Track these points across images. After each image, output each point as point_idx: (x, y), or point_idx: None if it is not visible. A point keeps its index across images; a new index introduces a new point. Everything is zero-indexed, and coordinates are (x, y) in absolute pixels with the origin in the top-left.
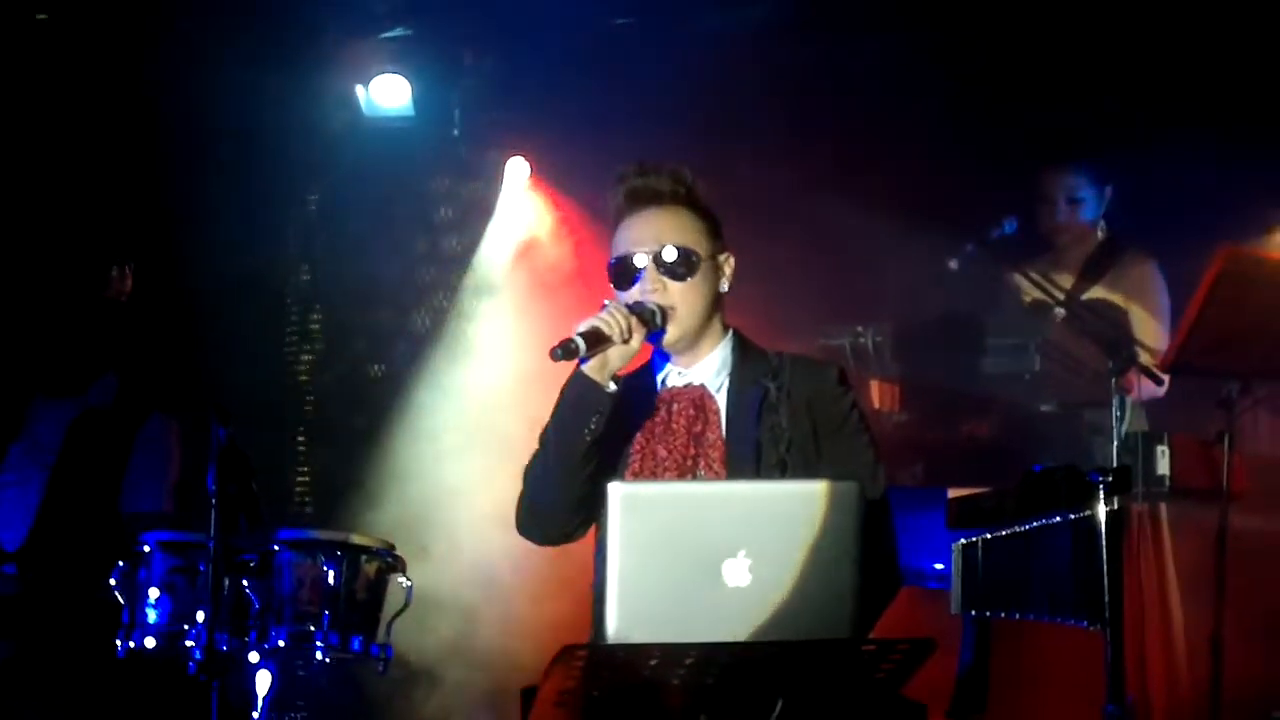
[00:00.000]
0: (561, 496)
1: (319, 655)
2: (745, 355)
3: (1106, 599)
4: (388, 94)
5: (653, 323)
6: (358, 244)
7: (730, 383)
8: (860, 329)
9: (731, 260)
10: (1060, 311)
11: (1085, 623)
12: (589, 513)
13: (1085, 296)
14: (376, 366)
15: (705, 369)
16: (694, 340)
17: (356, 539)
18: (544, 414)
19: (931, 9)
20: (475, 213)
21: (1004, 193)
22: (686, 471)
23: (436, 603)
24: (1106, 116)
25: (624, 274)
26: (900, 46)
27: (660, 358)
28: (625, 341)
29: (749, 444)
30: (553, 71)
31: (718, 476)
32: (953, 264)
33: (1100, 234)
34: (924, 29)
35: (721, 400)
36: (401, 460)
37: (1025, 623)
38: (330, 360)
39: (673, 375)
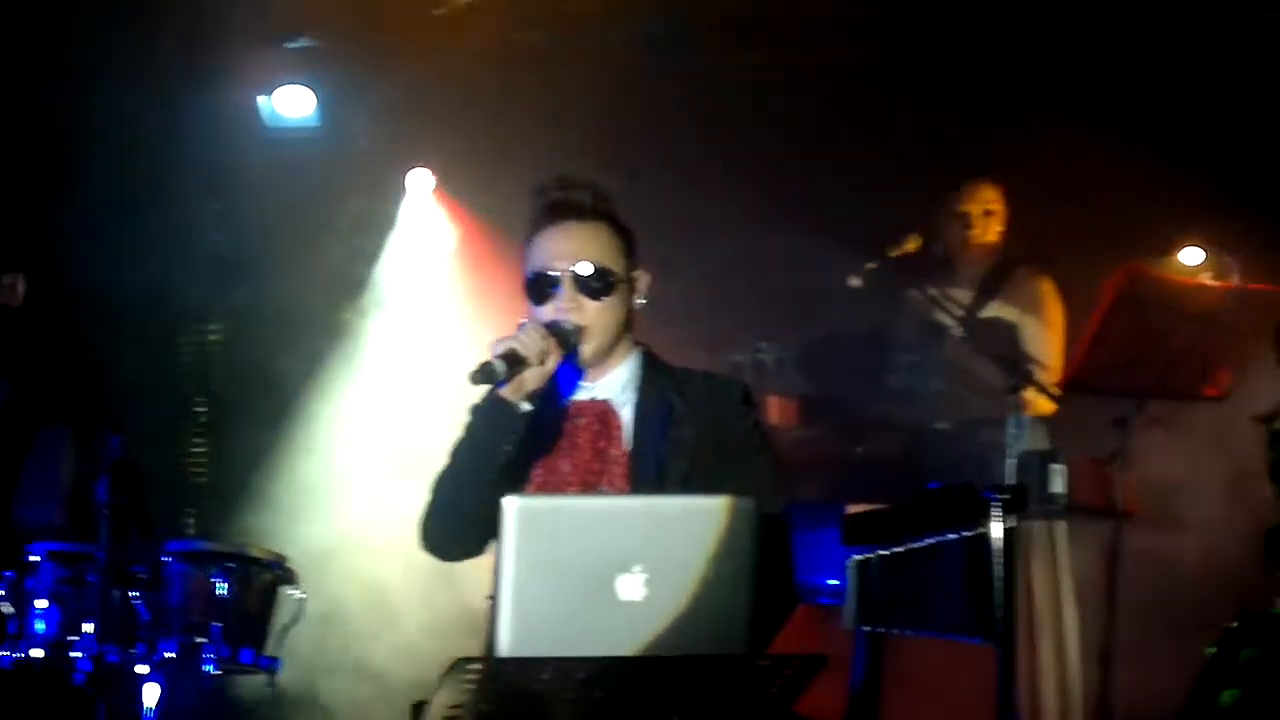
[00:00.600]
0: (471, 514)
1: (208, 668)
2: (652, 371)
3: (999, 616)
4: (292, 104)
5: (569, 343)
6: (258, 255)
7: (636, 398)
8: (761, 345)
9: (646, 277)
10: (958, 330)
11: (979, 639)
12: (495, 528)
13: (982, 314)
14: (273, 379)
15: (611, 384)
16: (604, 356)
17: (248, 551)
18: (443, 430)
19: (831, 26)
20: (378, 224)
21: (904, 211)
22: (589, 486)
23: (326, 617)
24: (1007, 136)
25: (541, 289)
26: (802, 63)
27: (567, 371)
28: (542, 363)
29: (652, 460)
30: (459, 84)
31: (621, 491)
32: (854, 281)
33: (998, 249)
34: (825, 47)
35: (626, 415)
36: (297, 475)
37: (919, 639)
38: (226, 372)
39: (578, 389)
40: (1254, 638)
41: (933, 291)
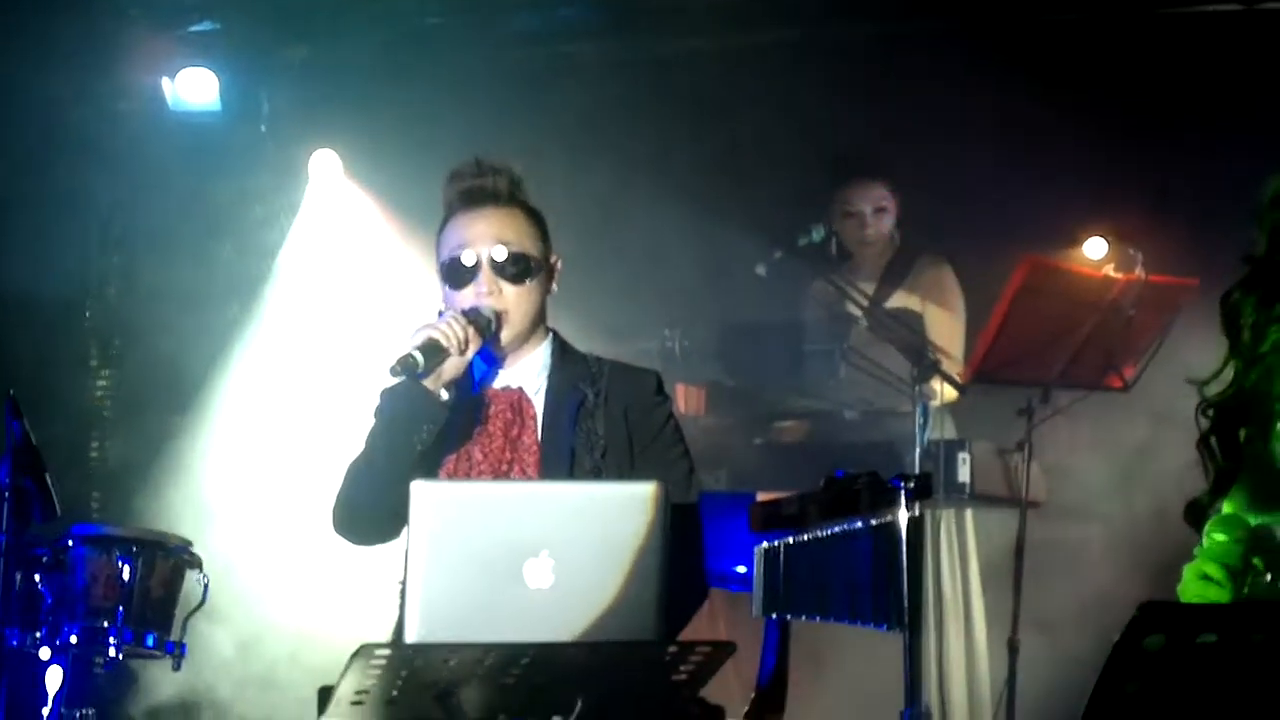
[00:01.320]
0: (383, 501)
1: (112, 652)
2: (565, 358)
3: (906, 603)
4: (194, 89)
5: (488, 330)
6: (159, 241)
7: (548, 386)
8: (667, 332)
9: (559, 263)
10: (863, 319)
11: (885, 626)
12: (407, 515)
13: (887, 304)
14: (176, 363)
15: (525, 371)
16: (521, 343)
17: (152, 535)
18: (351, 413)
19: (736, 12)
20: (282, 210)
21: (811, 200)
22: (501, 475)
23: (231, 601)
24: (904, 128)
25: (458, 274)
26: (709, 51)
27: (481, 358)
28: (462, 352)
29: (564, 449)
30: (364, 68)
31: (530, 478)
32: (760, 270)
33: (895, 240)
34: (733, 33)
35: (539, 404)
36: (199, 458)
37: (827, 626)
38: (128, 356)
39: (491, 376)
40: (1158, 625)
41: (838, 281)
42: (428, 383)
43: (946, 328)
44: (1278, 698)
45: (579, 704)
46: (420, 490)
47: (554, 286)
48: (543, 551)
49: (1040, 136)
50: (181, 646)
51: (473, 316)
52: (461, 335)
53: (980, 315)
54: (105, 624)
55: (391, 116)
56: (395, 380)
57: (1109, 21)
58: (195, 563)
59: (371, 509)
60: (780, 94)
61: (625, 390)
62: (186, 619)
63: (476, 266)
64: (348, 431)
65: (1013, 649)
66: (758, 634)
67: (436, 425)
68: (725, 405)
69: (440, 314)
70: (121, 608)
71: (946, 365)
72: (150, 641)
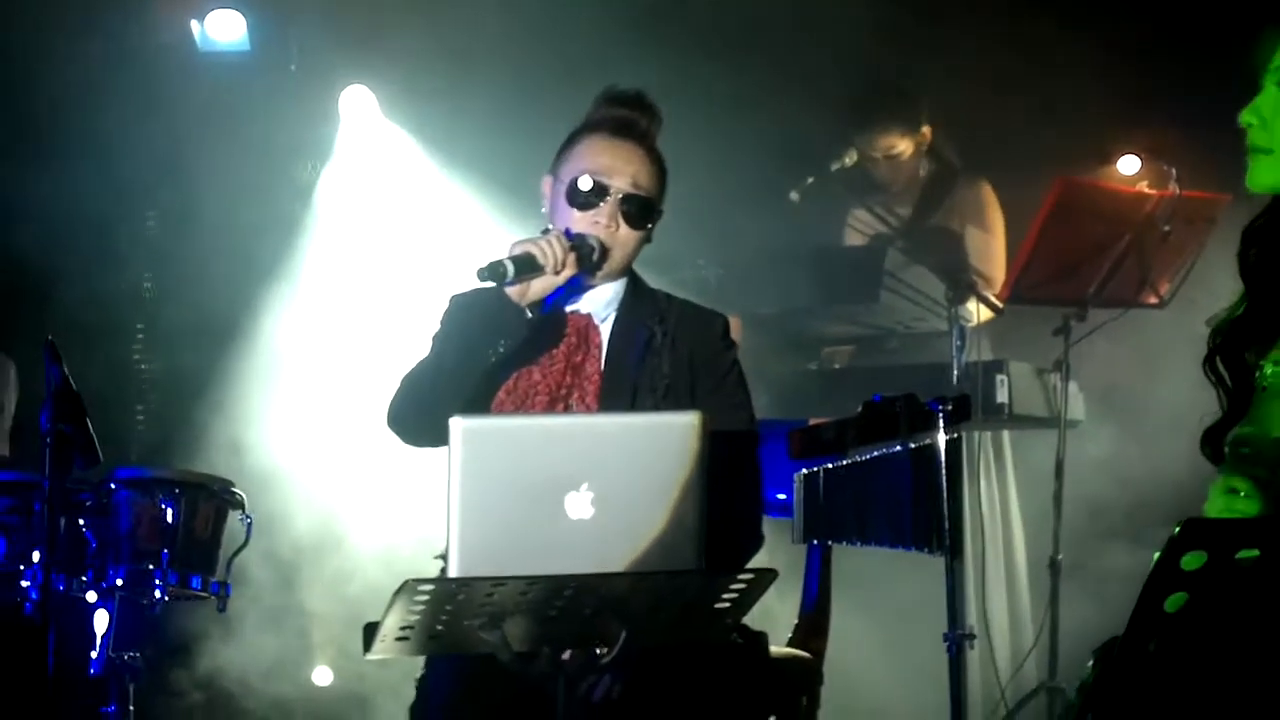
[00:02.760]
0: (445, 405)
1: (158, 594)
2: (637, 295)
3: (946, 526)
4: (222, 29)
5: (589, 260)
6: (194, 183)
7: (617, 318)
8: (702, 261)
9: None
10: (899, 242)
11: (926, 550)
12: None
13: (928, 224)
14: (216, 307)
15: (596, 299)
16: (606, 280)
17: (195, 476)
18: (386, 352)
19: None
20: (316, 147)
21: (844, 128)
22: (558, 400)
23: (273, 541)
24: (937, 55)
25: (586, 197)
26: None
27: (570, 284)
28: (557, 273)
29: (626, 384)
30: (392, 3)
31: (589, 410)
32: (794, 196)
33: (923, 170)
34: None
35: (605, 333)
36: (241, 403)
37: (868, 550)
38: (168, 300)
39: (563, 299)
40: (1198, 542)
41: (875, 206)
42: (513, 295)
43: (987, 250)
44: None
45: (622, 634)
46: (459, 426)
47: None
48: (583, 484)
49: (1070, 56)
50: (226, 587)
51: (577, 242)
52: (560, 256)
53: (1017, 238)
54: (150, 566)
55: (423, 52)
56: (470, 290)
57: None
58: (238, 503)
59: (432, 411)
60: (812, 22)
61: (693, 332)
62: (231, 560)
63: (605, 196)
64: (389, 371)
65: (1055, 568)
66: (800, 560)
67: (515, 340)
68: (761, 333)
69: (545, 232)
70: (166, 550)
71: (984, 287)
72: (196, 583)
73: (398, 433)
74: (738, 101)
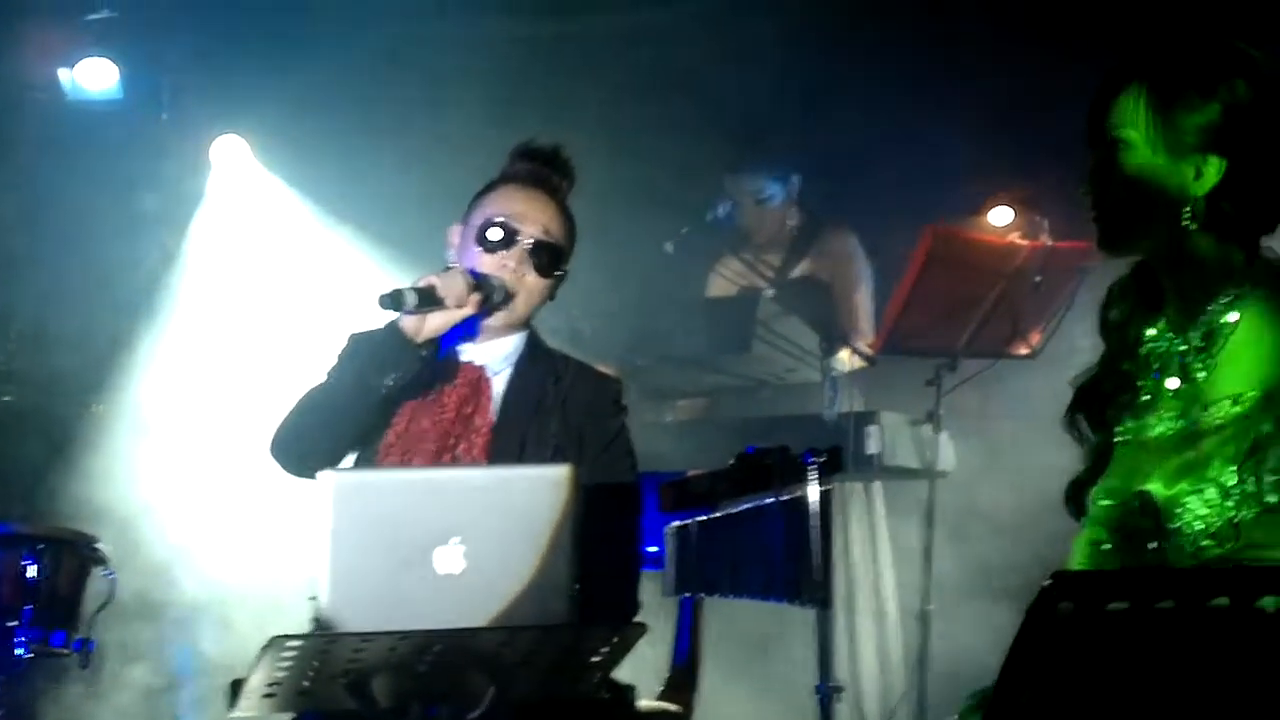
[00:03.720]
0: (332, 437)
1: (19, 651)
2: (535, 352)
3: (818, 578)
4: (94, 77)
5: (491, 300)
6: (60, 233)
7: (513, 374)
8: (575, 312)
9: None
10: (770, 292)
11: (797, 602)
12: (345, 456)
13: (793, 274)
14: (78, 358)
15: (493, 352)
16: (506, 330)
17: (58, 532)
18: (257, 401)
19: None
20: (186, 198)
21: (717, 176)
22: (446, 450)
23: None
24: (806, 102)
25: (493, 241)
26: (616, 28)
27: (457, 327)
28: (458, 308)
29: (515, 439)
30: (264, 53)
31: (476, 461)
32: (668, 247)
33: (796, 216)
34: (644, 10)
35: (498, 388)
36: (102, 456)
37: (740, 603)
38: (28, 351)
39: (458, 348)
40: (1068, 594)
41: (745, 255)
42: (408, 330)
43: (854, 297)
44: (1185, 663)
45: (491, 689)
46: (330, 480)
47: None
48: (453, 538)
49: (942, 106)
50: (89, 644)
51: (481, 281)
52: (463, 292)
53: (888, 287)
54: (12, 623)
55: (294, 101)
56: (369, 330)
57: None
58: (101, 559)
59: (317, 441)
60: (681, 70)
61: (586, 395)
62: (94, 616)
63: (514, 241)
64: (253, 418)
65: (924, 620)
66: (671, 614)
67: (406, 375)
68: (635, 385)
69: (448, 269)
70: (28, 606)
71: (855, 337)
72: (57, 641)
73: (280, 461)
74: (613, 152)
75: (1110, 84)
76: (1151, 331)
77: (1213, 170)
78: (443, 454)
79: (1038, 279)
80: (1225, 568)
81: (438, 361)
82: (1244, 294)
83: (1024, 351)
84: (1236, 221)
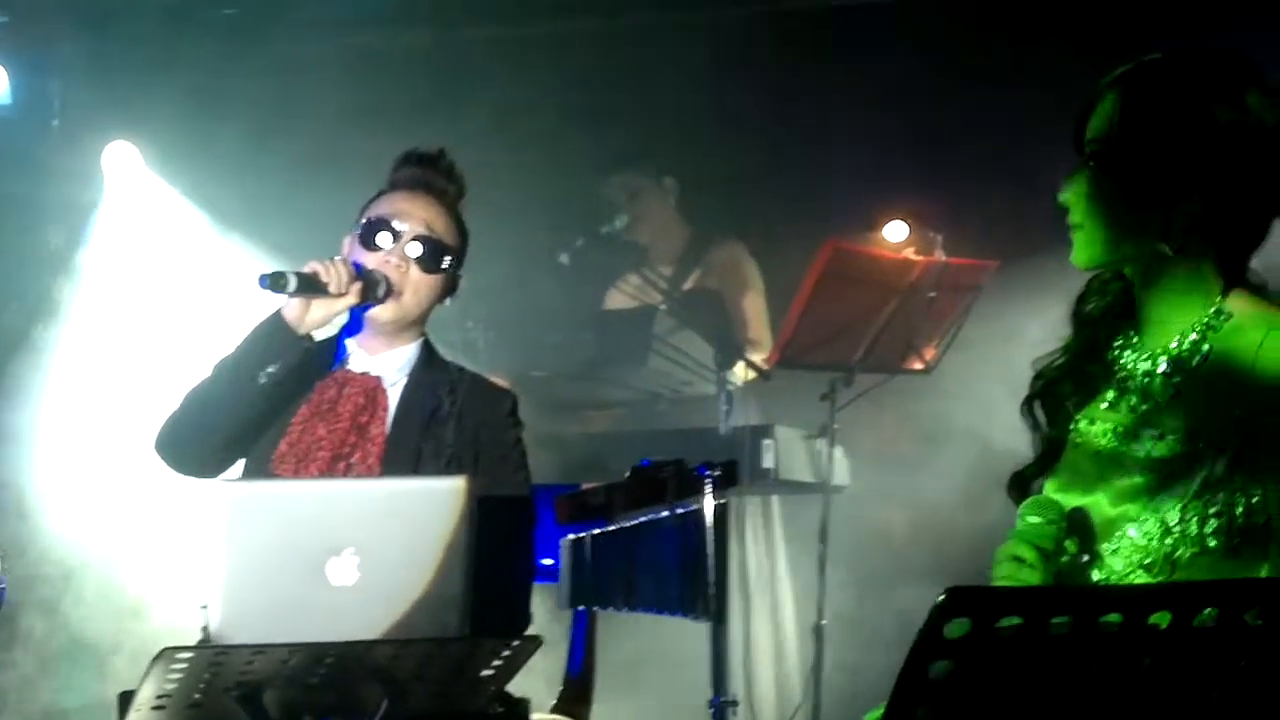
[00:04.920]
0: (216, 429)
1: None
2: (430, 362)
3: (712, 592)
4: None
5: (374, 293)
6: None
7: (407, 384)
8: (470, 324)
9: (461, 282)
10: (664, 305)
11: (692, 616)
12: (233, 457)
13: (685, 286)
14: None
15: (388, 363)
16: (397, 333)
17: None
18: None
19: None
20: (78, 206)
21: (595, 173)
22: (342, 458)
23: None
24: (699, 116)
25: (374, 237)
26: (511, 40)
27: (347, 335)
28: (339, 295)
29: (410, 450)
30: (158, 59)
31: (370, 471)
32: (563, 258)
33: (684, 229)
34: (538, 22)
35: (393, 398)
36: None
37: (635, 616)
38: None
39: (354, 358)
40: (962, 610)
41: (643, 270)
42: (290, 320)
43: (746, 307)
44: (1077, 681)
45: (384, 702)
46: (224, 491)
47: (448, 300)
48: (346, 549)
49: (836, 121)
50: None
51: (363, 273)
52: (344, 278)
53: (783, 301)
54: None
55: (188, 106)
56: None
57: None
58: None
59: (198, 435)
60: (572, 83)
61: (480, 407)
62: None
63: (396, 238)
64: (144, 439)
65: (819, 633)
66: (565, 624)
67: (286, 365)
68: (531, 397)
69: (332, 259)
70: None
71: (750, 349)
72: None
73: (164, 457)
74: (510, 164)
75: (1094, 94)
76: (1120, 341)
77: (1191, 190)
78: (337, 463)
79: (932, 294)
80: (1120, 585)
81: (333, 371)
82: (1217, 324)
83: (918, 367)
84: (1213, 244)
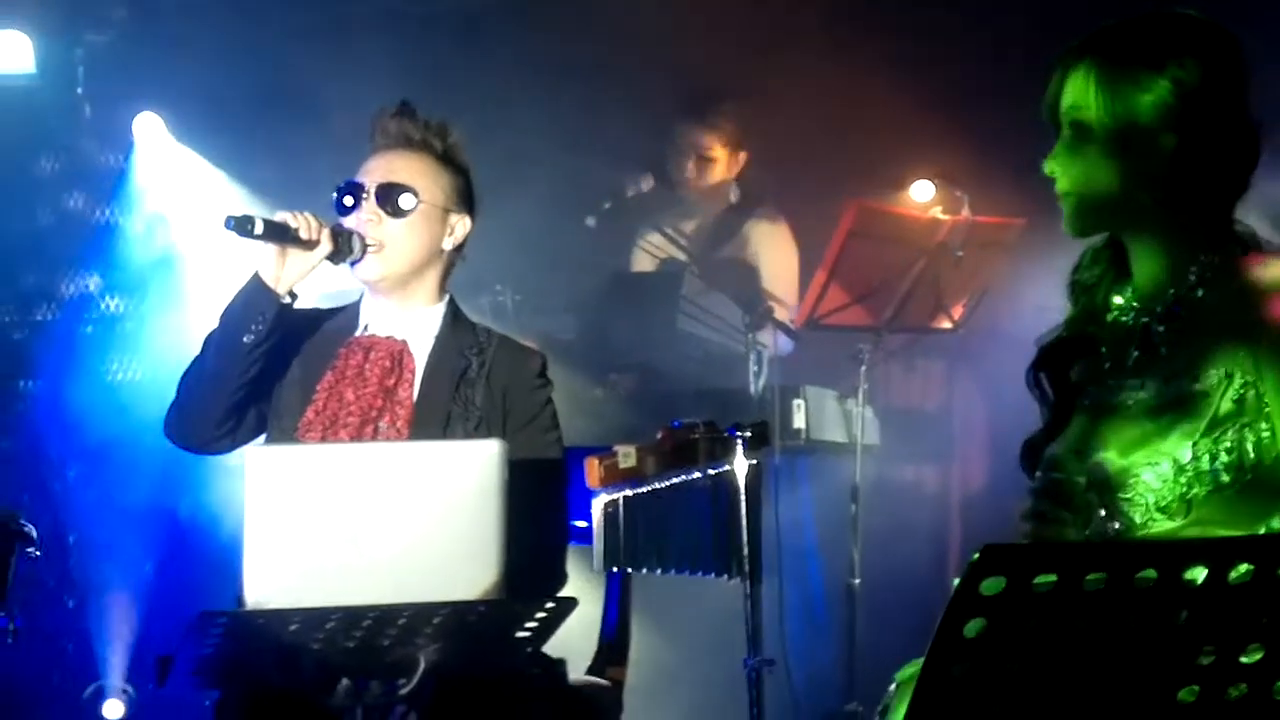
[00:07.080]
0: (211, 401)
1: None
2: (455, 324)
3: (745, 552)
4: (7, 53)
5: (347, 246)
6: None
7: (434, 347)
8: (499, 287)
9: (466, 222)
10: (694, 268)
11: (725, 576)
12: (238, 427)
13: (718, 254)
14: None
15: (412, 325)
16: (403, 287)
17: None
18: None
19: None
20: (106, 178)
21: (642, 149)
22: (370, 421)
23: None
24: (731, 81)
25: (343, 200)
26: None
27: (369, 301)
28: (311, 245)
29: (439, 412)
30: (179, 30)
31: (400, 435)
32: (590, 221)
33: (733, 196)
34: None
35: (420, 361)
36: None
37: (669, 577)
38: None
39: (376, 323)
40: (997, 568)
41: (669, 231)
42: (267, 278)
43: (781, 278)
44: (1112, 637)
45: (421, 664)
46: (254, 456)
47: (450, 243)
48: (379, 512)
49: (862, 83)
50: (17, 619)
51: (335, 228)
52: (314, 227)
53: (811, 264)
54: None
55: (216, 75)
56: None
57: None
58: (25, 536)
59: (199, 411)
60: (612, 52)
61: (508, 368)
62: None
63: (361, 193)
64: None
65: (851, 593)
66: (600, 585)
67: (268, 321)
68: (560, 359)
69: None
70: None
71: (780, 313)
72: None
73: (171, 438)
74: (537, 128)
75: (1063, 64)
76: (1119, 300)
77: (1168, 146)
78: (365, 427)
79: (959, 253)
80: (1156, 540)
81: (359, 336)
82: (1210, 270)
83: (947, 325)
84: (1197, 196)
